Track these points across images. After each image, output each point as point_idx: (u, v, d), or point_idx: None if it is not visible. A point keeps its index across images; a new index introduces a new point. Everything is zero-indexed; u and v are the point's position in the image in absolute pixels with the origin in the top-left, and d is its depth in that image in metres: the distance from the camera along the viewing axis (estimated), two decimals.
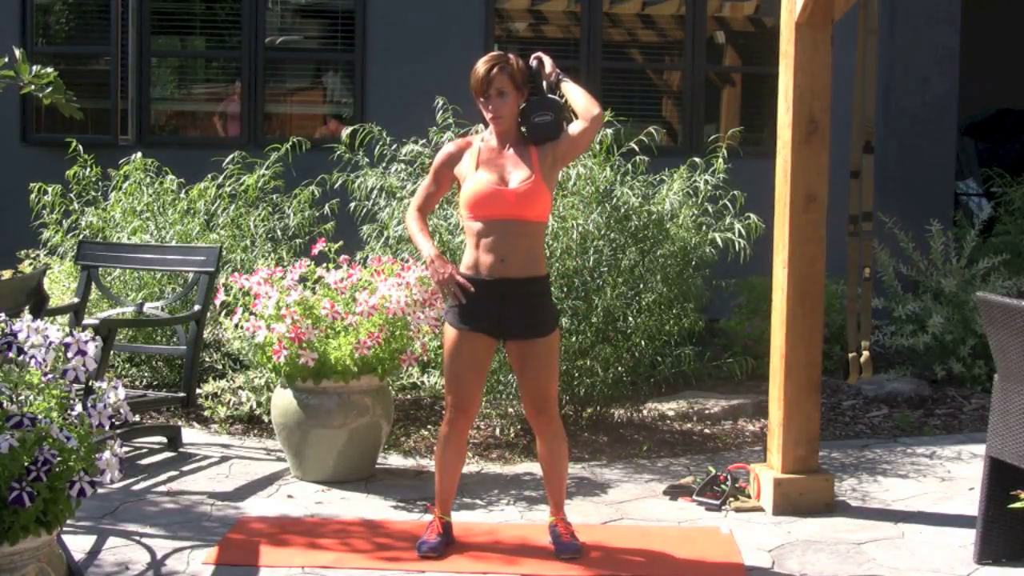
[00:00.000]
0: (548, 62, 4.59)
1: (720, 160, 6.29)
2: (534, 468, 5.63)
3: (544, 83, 4.56)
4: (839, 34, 5.15)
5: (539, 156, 4.48)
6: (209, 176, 7.26)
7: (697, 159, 6.41)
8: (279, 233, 7.18)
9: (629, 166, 6.24)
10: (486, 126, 4.62)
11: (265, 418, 6.19)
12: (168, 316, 6.28)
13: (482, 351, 4.52)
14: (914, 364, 7.61)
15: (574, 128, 4.50)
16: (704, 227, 6.26)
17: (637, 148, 6.17)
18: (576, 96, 4.52)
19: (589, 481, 5.56)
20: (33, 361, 3.36)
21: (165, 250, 6.46)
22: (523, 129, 4.53)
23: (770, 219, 5.28)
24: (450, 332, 4.52)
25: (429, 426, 6.32)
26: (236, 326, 5.72)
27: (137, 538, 4.67)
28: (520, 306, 4.46)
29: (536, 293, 4.49)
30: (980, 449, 5.10)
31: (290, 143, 7.24)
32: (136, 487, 5.37)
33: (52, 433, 3.24)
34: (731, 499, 5.23)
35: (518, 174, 4.44)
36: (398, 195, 6.26)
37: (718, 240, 6.15)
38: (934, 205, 8.95)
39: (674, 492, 5.38)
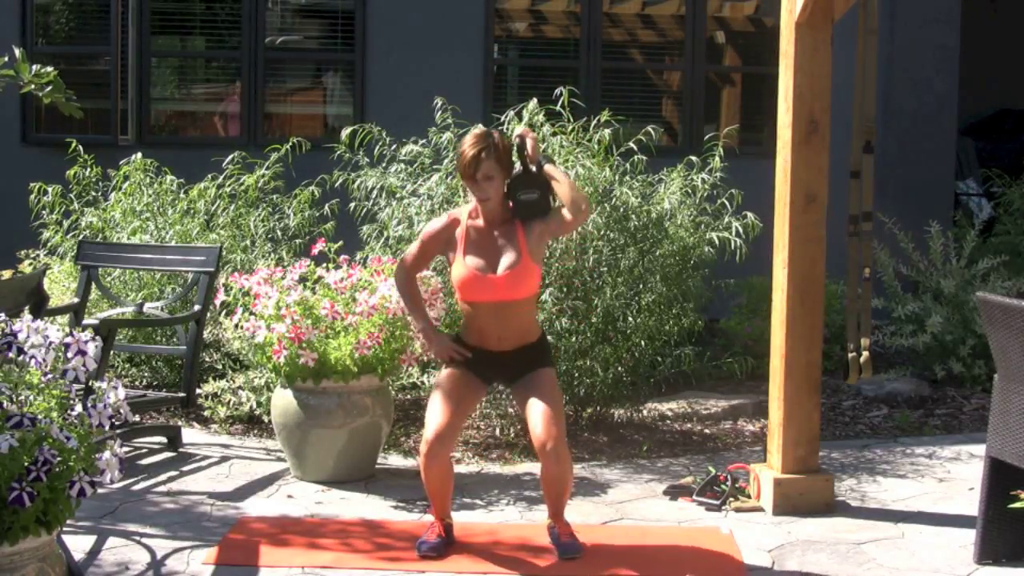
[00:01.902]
0: (530, 143, 4.58)
1: (716, 158, 6.29)
2: (534, 468, 5.63)
3: (527, 162, 4.56)
4: (839, 34, 5.15)
5: (525, 233, 4.52)
6: (209, 176, 7.26)
7: (694, 157, 6.41)
8: (279, 233, 7.18)
9: (627, 166, 6.24)
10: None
11: (265, 418, 6.19)
12: (168, 316, 6.28)
13: (471, 392, 4.61)
14: (914, 364, 7.61)
15: (564, 214, 4.50)
16: (703, 226, 6.26)
17: (636, 148, 6.17)
18: (562, 188, 4.49)
19: (589, 481, 5.56)
20: (33, 361, 3.36)
21: (165, 250, 6.46)
22: (509, 203, 4.55)
23: (770, 219, 5.28)
24: (445, 368, 4.64)
25: None
26: (236, 326, 5.72)
27: (137, 538, 4.67)
28: (517, 363, 4.60)
29: (532, 350, 4.62)
30: (980, 449, 5.10)
31: (290, 144, 7.24)
32: (136, 487, 5.37)
33: (52, 433, 3.24)
34: (731, 499, 5.23)
35: (506, 258, 4.49)
36: (398, 195, 6.26)
37: (715, 239, 6.15)
38: (934, 205, 8.95)
39: (674, 492, 5.38)
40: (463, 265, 4.51)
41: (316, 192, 7.17)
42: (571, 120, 6.15)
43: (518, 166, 4.59)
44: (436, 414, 4.49)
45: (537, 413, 4.46)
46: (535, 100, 6.16)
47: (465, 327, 4.66)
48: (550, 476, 4.49)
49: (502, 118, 6.22)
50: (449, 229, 4.59)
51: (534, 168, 4.56)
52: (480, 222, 4.55)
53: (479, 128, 4.77)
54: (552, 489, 4.53)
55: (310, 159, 7.43)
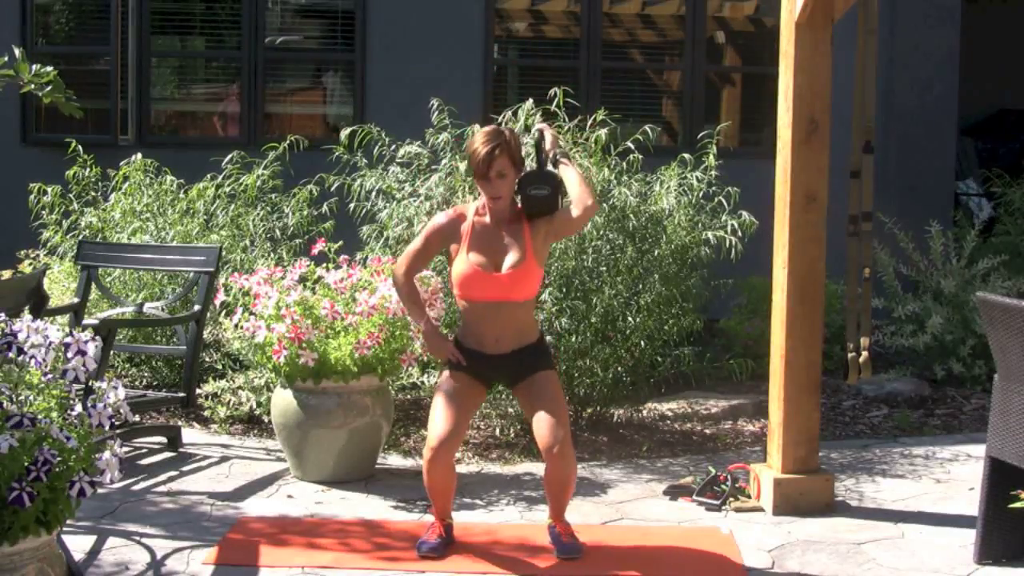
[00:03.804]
0: (549, 137, 4.59)
1: (711, 156, 6.28)
2: (534, 468, 5.63)
3: (543, 156, 4.56)
4: (839, 34, 5.15)
5: (532, 232, 4.50)
6: (208, 176, 7.26)
7: (687, 155, 6.40)
8: (278, 233, 7.18)
9: (624, 164, 6.24)
10: (479, 197, 4.58)
11: (265, 418, 6.19)
12: (168, 316, 6.28)
13: (472, 396, 4.61)
14: (914, 364, 7.61)
15: (571, 211, 4.49)
16: (700, 226, 6.26)
17: (634, 147, 6.17)
18: (572, 182, 4.49)
19: (589, 481, 5.56)
20: (33, 361, 3.36)
21: (165, 250, 6.46)
22: (518, 198, 4.54)
23: (770, 219, 5.28)
24: (446, 371, 4.62)
25: None
26: (236, 326, 5.72)
27: (137, 538, 4.67)
28: (518, 364, 4.58)
29: (531, 353, 4.59)
30: (980, 449, 5.09)
31: (287, 142, 7.23)
32: (136, 487, 5.36)
33: (52, 433, 3.24)
34: (731, 499, 5.23)
35: (510, 257, 4.47)
36: (396, 196, 6.26)
37: (711, 237, 6.15)
38: (934, 205, 8.94)
39: (674, 492, 5.38)
40: (465, 260, 4.48)
41: (314, 191, 7.17)
42: (567, 120, 6.15)
43: (530, 164, 4.58)
44: (439, 419, 4.48)
45: (542, 417, 4.46)
46: (531, 100, 6.16)
47: (462, 330, 4.64)
48: (555, 478, 4.48)
49: (499, 118, 6.22)
50: (454, 224, 4.56)
51: (550, 162, 4.55)
52: (487, 219, 4.53)
53: (489, 126, 4.71)
54: (555, 490, 4.53)
55: (309, 159, 7.43)
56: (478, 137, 4.48)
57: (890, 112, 9.15)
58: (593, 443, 6.16)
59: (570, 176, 4.51)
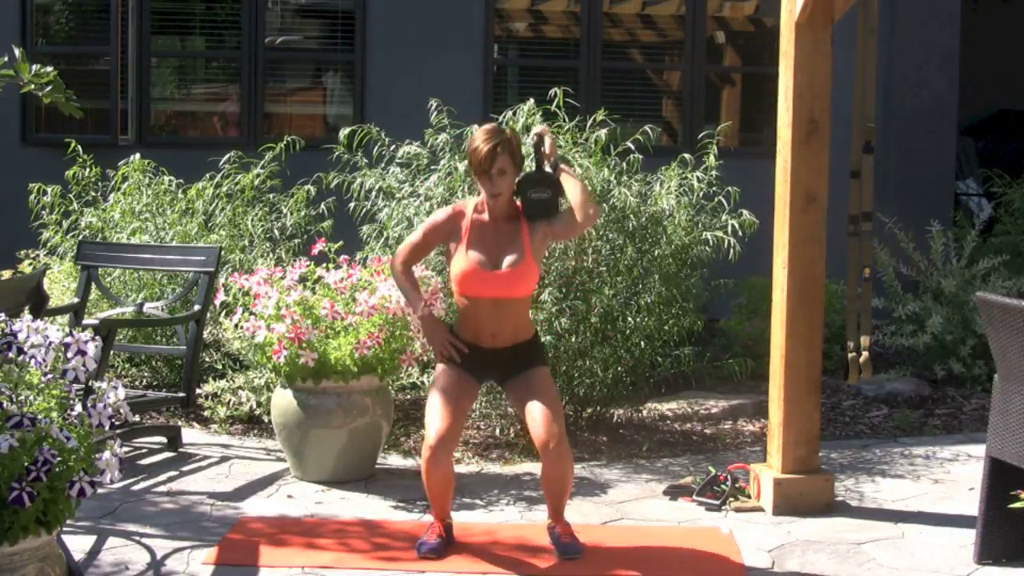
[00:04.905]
0: (548, 142, 4.60)
1: (711, 156, 6.28)
2: (534, 468, 5.63)
3: (542, 160, 4.57)
4: (839, 34, 5.15)
5: (530, 232, 4.53)
6: (208, 176, 7.26)
7: (687, 155, 6.41)
8: (276, 233, 7.18)
9: (624, 164, 6.24)
10: (478, 192, 4.59)
11: (265, 418, 6.19)
12: (168, 316, 6.28)
13: (467, 392, 4.61)
14: (914, 364, 7.61)
15: (572, 218, 4.50)
16: (700, 225, 6.26)
17: (634, 148, 6.17)
18: (573, 191, 4.51)
19: (589, 481, 5.56)
20: (33, 361, 3.36)
21: (165, 250, 6.46)
22: (517, 201, 4.55)
23: (770, 219, 5.28)
24: (440, 367, 4.64)
25: None
26: (236, 326, 5.72)
27: (137, 538, 4.67)
28: (511, 359, 4.59)
29: (525, 349, 4.61)
30: (980, 449, 5.10)
31: (284, 141, 7.23)
32: (136, 487, 5.36)
33: (52, 433, 3.23)
34: (731, 499, 5.23)
35: (509, 255, 4.48)
36: (396, 195, 6.26)
37: (709, 237, 6.15)
38: (934, 205, 8.94)
39: (674, 492, 5.38)
40: (465, 258, 4.50)
41: (312, 191, 7.17)
42: (567, 120, 6.15)
43: (528, 165, 4.58)
44: (436, 418, 4.48)
45: (537, 412, 4.46)
46: (532, 100, 6.16)
47: (459, 323, 4.66)
48: (551, 475, 4.48)
49: (499, 118, 6.22)
50: (453, 221, 4.58)
51: (549, 167, 4.56)
52: (485, 216, 4.54)
53: (489, 124, 4.72)
54: (553, 487, 4.53)
55: (309, 159, 7.43)
56: (479, 134, 4.50)
57: (890, 112, 9.15)
58: (593, 443, 6.16)
59: (571, 184, 4.53)
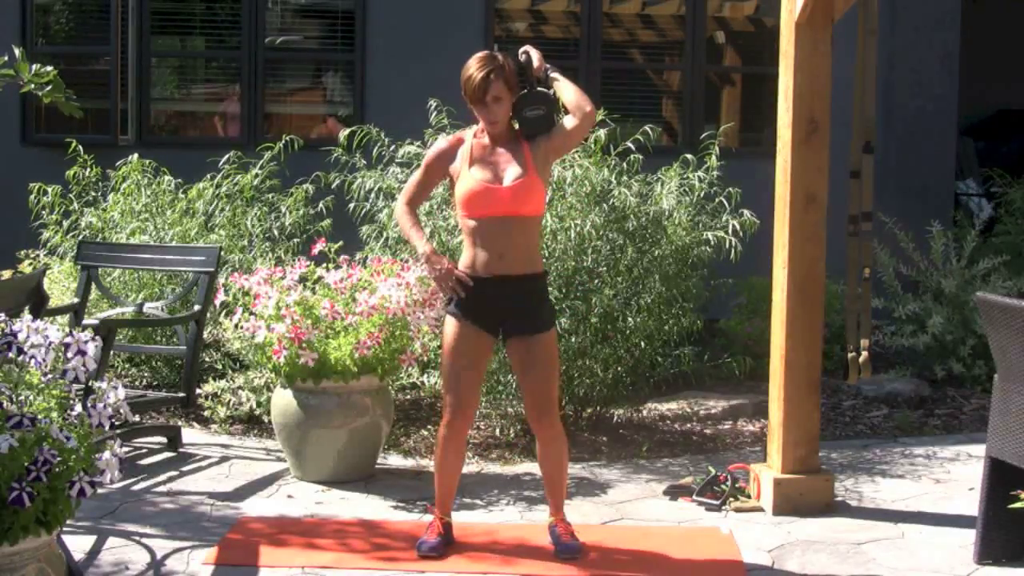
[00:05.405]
0: (536, 56, 4.56)
1: (712, 157, 6.28)
2: (534, 468, 5.62)
3: (532, 77, 4.55)
4: (839, 34, 5.15)
5: (531, 150, 4.48)
6: (207, 176, 7.26)
7: (689, 156, 6.40)
8: (276, 233, 7.18)
9: (624, 164, 6.24)
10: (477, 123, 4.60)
11: (265, 418, 6.19)
12: (168, 316, 6.28)
13: (481, 349, 4.53)
14: (914, 364, 7.61)
15: (567, 123, 4.49)
16: (700, 226, 6.26)
17: (634, 147, 6.17)
18: (567, 92, 4.50)
19: (589, 481, 5.56)
20: (33, 361, 3.36)
21: (165, 250, 6.46)
22: (515, 123, 4.53)
23: (770, 219, 5.28)
24: (450, 327, 4.52)
25: (429, 426, 6.32)
26: (236, 326, 5.72)
27: (137, 538, 4.67)
28: (520, 303, 4.48)
29: (535, 290, 4.51)
30: (980, 449, 5.09)
31: (283, 141, 7.23)
32: (136, 487, 5.37)
33: (52, 433, 3.23)
34: (731, 499, 5.23)
35: (512, 171, 4.43)
36: (396, 196, 6.26)
37: (710, 237, 6.15)
38: (934, 205, 8.94)
39: (674, 492, 5.38)
40: (470, 178, 4.45)
41: (310, 189, 7.17)
42: None
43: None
44: (454, 381, 4.48)
45: (533, 383, 4.49)
46: None
47: (466, 252, 4.52)
48: (546, 452, 4.54)
49: None
50: (454, 148, 4.54)
51: (541, 77, 4.53)
52: (486, 140, 4.51)
53: (482, 51, 4.61)
54: (550, 469, 4.57)
55: (308, 159, 7.43)
56: (472, 63, 4.45)
57: (890, 112, 9.15)
58: (593, 443, 6.16)
59: (564, 88, 4.50)
